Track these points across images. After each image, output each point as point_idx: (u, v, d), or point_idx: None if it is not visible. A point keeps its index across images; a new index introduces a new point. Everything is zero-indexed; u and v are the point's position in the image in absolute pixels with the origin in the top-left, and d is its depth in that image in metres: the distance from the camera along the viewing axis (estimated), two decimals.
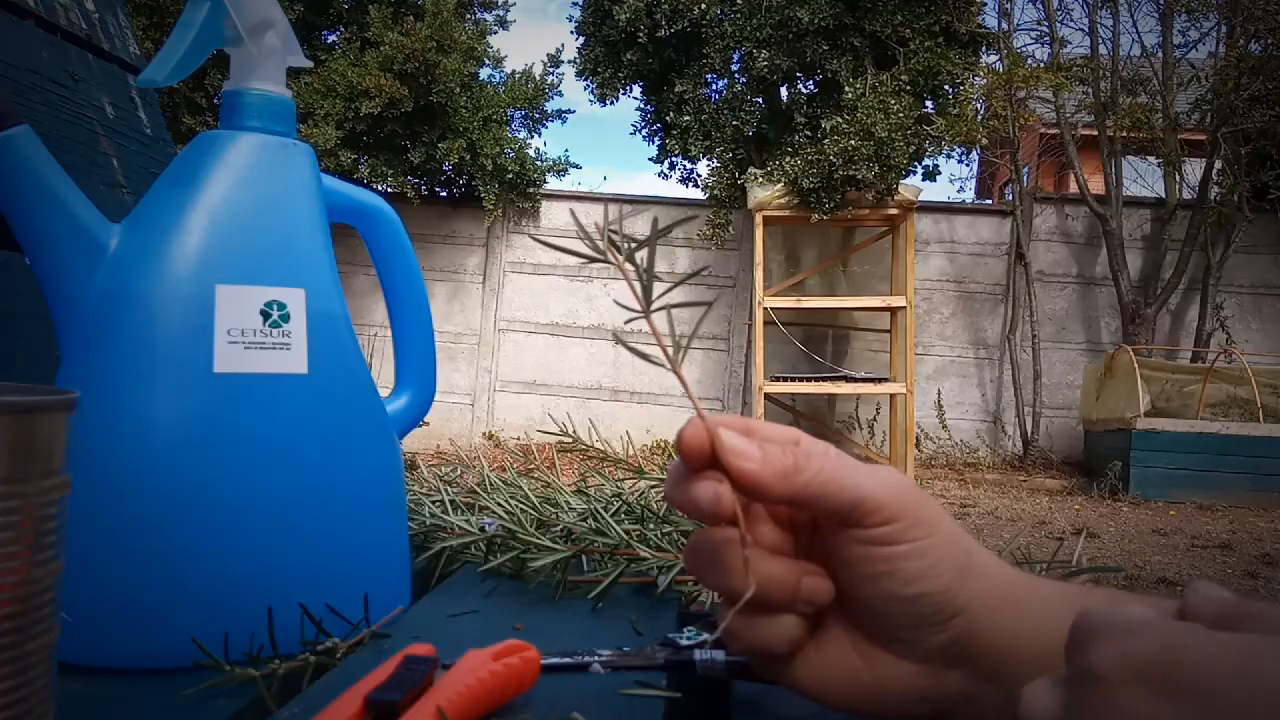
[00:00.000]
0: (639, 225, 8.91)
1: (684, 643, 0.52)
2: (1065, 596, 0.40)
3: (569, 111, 9.52)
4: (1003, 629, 0.39)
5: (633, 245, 0.37)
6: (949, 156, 8.50)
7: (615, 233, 0.37)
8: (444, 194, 9.04)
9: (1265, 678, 0.25)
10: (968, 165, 9.92)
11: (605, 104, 8.94)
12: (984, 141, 8.12)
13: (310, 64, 0.66)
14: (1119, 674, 0.26)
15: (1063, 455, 8.38)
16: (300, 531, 0.59)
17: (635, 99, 9.14)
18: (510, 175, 8.50)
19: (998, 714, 0.39)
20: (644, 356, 0.38)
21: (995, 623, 0.39)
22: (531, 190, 8.79)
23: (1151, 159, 8.87)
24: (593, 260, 0.37)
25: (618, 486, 0.83)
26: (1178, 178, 8.40)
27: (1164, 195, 8.54)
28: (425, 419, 0.78)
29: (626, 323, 0.37)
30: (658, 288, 0.38)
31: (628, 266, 0.37)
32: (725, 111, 8.32)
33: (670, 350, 0.38)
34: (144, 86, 0.67)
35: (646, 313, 0.37)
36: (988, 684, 0.39)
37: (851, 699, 0.41)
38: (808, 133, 7.94)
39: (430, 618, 0.65)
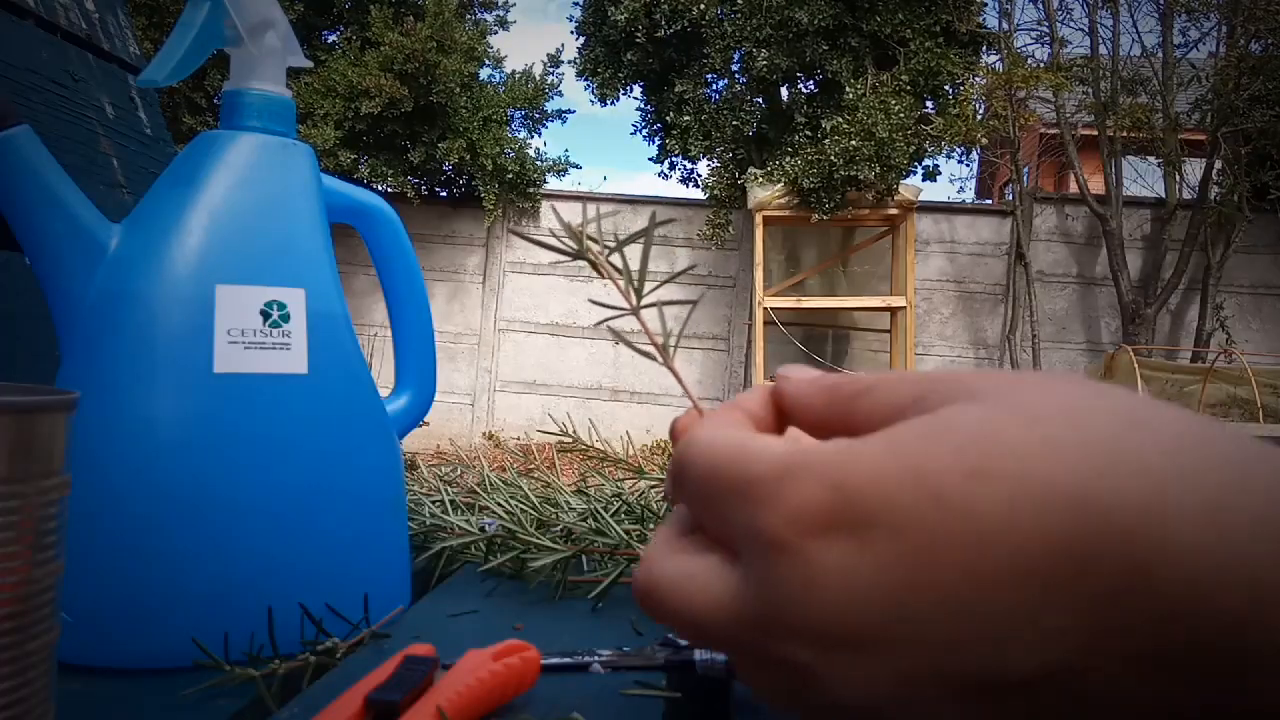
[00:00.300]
0: (639, 224, 8.89)
1: (684, 643, 0.52)
2: None
3: (569, 111, 9.52)
4: None
5: (616, 241, 0.37)
6: (949, 156, 8.50)
7: (593, 240, 0.37)
8: (444, 194, 9.04)
9: (936, 472, 0.22)
10: (968, 165, 9.93)
11: (605, 104, 8.94)
12: (984, 141, 8.12)
13: (310, 64, 0.66)
14: (799, 535, 0.22)
15: None
16: (300, 531, 0.59)
17: (635, 99, 9.15)
18: (510, 175, 8.50)
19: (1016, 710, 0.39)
20: (641, 351, 0.38)
21: None
22: (531, 190, 8.79)
23: (1151, 159, 8.87)
24: (575, 258, 0.37)
25: (618, 486, 0.83)
26: (1178, 178, 8.40)
27: (1164, 195, 8.54)
28: (425, 419, 0.78)
29: (598, 323, 0.37)
30: (647, 285, 0.38)
31: (607, 263, 0.37)
32: (725, 111, 8.32)
33: (662, 344, 0.37)
34: (144, 86, 0.67)
35: (635, 310, 0.37)
36: None
37: None
38: (808, 133, 7.94)
39: (430, 618, 0.65)
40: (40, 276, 0.58)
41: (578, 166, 9.68)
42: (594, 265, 0.37)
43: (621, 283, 0.37)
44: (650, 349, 0.37)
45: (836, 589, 0.22)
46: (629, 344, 0.38)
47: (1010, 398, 0.23)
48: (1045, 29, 8.77)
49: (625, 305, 0.37)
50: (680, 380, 0.37)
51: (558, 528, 0.74)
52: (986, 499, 0.21)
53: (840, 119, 7.45)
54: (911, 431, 0.23)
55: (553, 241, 0.37)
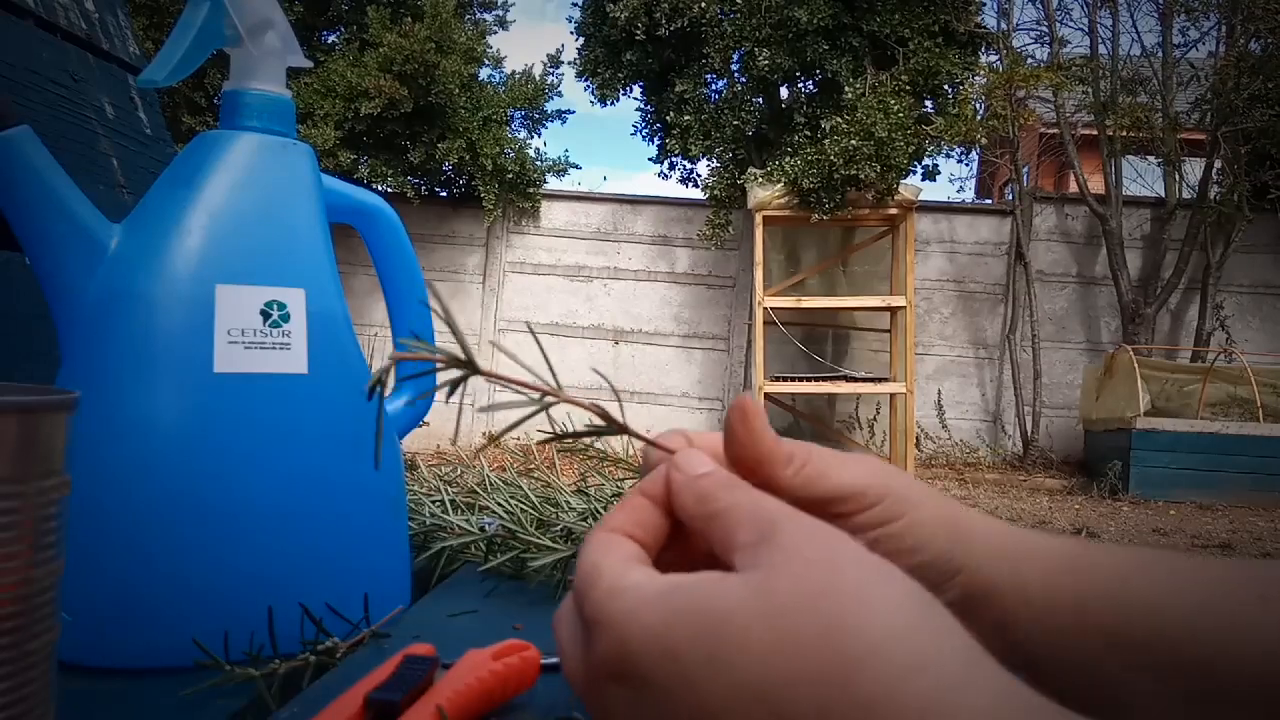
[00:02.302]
0: (638, 224, 8.92)
1: None
2: (1063, 548, 0.40)
3: (568, 112, 9.51)
4: (1003, 580, 0.40)
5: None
6: (949, 156, 8.50)
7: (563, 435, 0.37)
8: (444, 194, 9.04)
9: (686, 654, 0.27)
10: (967, 165, 9.92)
11: (605, 104, 8.93)
12: (983, 141, 8.11)
13: (310, 64, 0.66)
14: (600, 677, 0.30)
15: (1063, 455, 8.37)
16: (300, 531, 0.59)
17: (635, 99, 9.14)
18: (510, 175, 8.50)
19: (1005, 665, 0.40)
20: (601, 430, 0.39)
21: (996, 575, 0.40)
22: (531, 190, 8.79)
23: (1151, 159, 8.86)
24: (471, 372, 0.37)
25: (618, 486, 0.83)
26: (1177, 177, 8.39)
27: (1164, 195, 8.53)
28: (425, 419, 0.78)
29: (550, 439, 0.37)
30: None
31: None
32: (725, 111, 8.32)
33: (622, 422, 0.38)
34: (144, 87, 0.67)
35: (558, 397, 0.37)
36: (995, 635, 0.40)
37: None
38: (807, 133, 7.93)
39: (430, 618, 0.65)
40: (40, 276, 0.58)
41: (577, 166, 9.67)
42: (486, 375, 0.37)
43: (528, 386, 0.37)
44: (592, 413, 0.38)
45: (621, 718, 0.30)
46: (575, 402, 0.39)
47: (789, 579, 0.28)
48: (1045, 29, 8.77)
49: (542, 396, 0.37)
50: (640, 436, 0.38)
51: (558, 528, 0.74)
52: (716, 686, 0.27)
53: (840, 119, 7.44)
54: (686, 603, 0.28)
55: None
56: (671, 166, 9.30)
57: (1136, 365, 7.03)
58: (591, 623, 0.30)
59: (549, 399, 0.36)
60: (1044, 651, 0.39)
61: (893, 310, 7.85)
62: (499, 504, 0.79)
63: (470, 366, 0.36)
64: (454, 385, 0.36)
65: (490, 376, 0.37)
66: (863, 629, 0.26)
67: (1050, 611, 0.38)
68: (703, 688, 0.27)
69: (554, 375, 0.37)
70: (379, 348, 7.47)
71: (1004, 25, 8.60)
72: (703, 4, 7.89)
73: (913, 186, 7.64)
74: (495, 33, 9.15)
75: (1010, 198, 9.00)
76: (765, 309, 7.65)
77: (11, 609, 0.30)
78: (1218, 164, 8.33)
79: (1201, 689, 0.35)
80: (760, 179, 7.63)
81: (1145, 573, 0.38)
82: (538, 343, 0.40)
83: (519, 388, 0.36)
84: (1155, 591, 0.37)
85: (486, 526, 0.77)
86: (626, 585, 0.30)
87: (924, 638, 0.26)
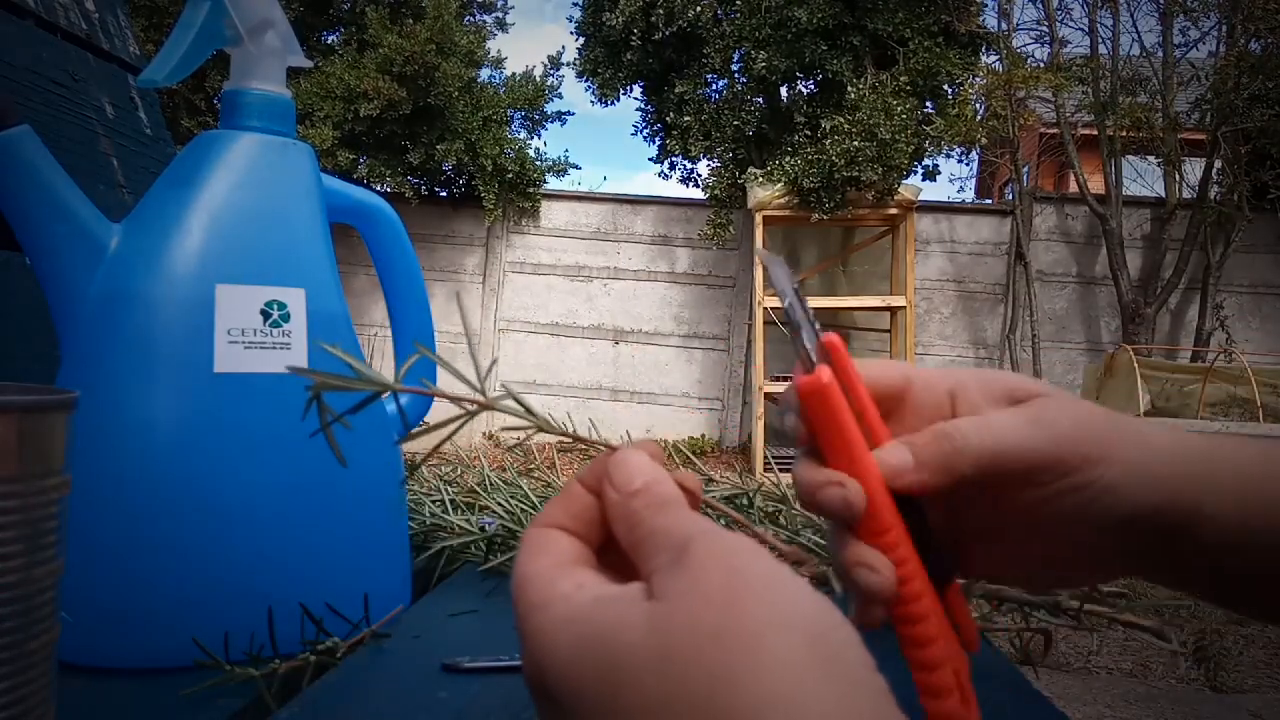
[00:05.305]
0: (638, 224, 8.92)
1: None
2: (1244, 453, 0.39)
3: (568, 113, 9.52)
4: (1201, 503, 0.38)
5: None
6: (949, 156, 8.50)
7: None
8: (443, 194, 9.04)
9: (590, 692, 0.28)
10: (968, 165, 9.92)
11: (606, 104, 8.94)
12: (983, 141, 8.11)
13: (310, 64, 0.66)
14: (529, 685, 0.31)
15: None
16: (300, 531, 0.59)
17: (635, 99, 9.15)
18: (510, 175, 8.49)
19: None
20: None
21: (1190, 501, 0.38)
22: (531, 190, 8.79)
23: (1151, 159, 8.86)
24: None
25: None
26: (1178, 177, 8.39)
27: (1164, 195, 8.53)
28: (425, 419, 0.78)
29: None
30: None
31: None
32: (725, 111, 8.31)
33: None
34: (144, 86, 0.67)
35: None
36: (1181, 538, 0.38)
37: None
38: (807, 132, 7.93)
39: (430, 618, 0.65)
40: (40, 276, 0.58)
41: (577, 167, 9.66)
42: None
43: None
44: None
45: None
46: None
47: (686, 617, 0.27)
48: (1045, 29, 8.77)
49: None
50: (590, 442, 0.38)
51: None
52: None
53: (841, 119, 7.44)
54: (592, 634, 0.29)
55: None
56: (672, 166, 9.30)
57: (1136, 365, 7.03)
58: (519, 630, 0.31)
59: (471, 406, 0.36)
60: (1231, 555, 0.38)
61: (893, 310, 7.85)
62: (499, 504, 0.79)
63: (384, 385, 0.37)
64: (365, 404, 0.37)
65: (407, 390, 0.38)
66: (745, 690, 0.25)
67: (1242, 520, 0.37)
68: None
69: (480, 379, 0.38)
70: (379, 347, 7.47)
71: (1004, 25, 8.60)
72: (698, 8, 7.88)
73: (913, 186, 7.64)
74: (495, 35, 9.15)
75: (1010, 198, 9.00)
76: (765, 309, 7.65)
77: (11, 609, 0.30)
78: (1218, 164, 8.32)
79: None
80: (760, 179, 7.63)
81: None
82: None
83: (442, 398, 0.37)
84: None
85: (486, 526, 0.77)
86: (552, 598, 0.31)
87: (812, 700, 0.24)
